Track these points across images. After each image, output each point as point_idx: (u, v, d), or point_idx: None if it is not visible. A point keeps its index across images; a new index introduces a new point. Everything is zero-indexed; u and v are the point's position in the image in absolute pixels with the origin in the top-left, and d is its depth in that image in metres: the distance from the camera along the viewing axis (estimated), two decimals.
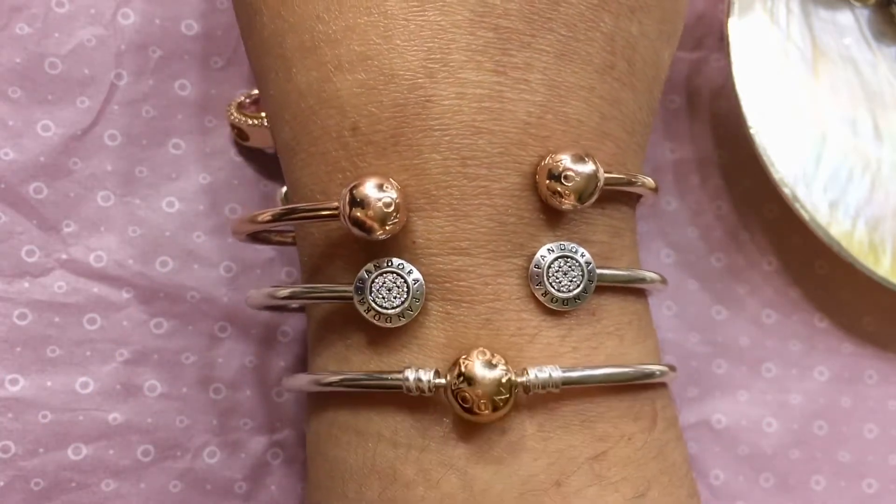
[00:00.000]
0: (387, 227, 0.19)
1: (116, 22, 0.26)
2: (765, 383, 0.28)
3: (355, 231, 0.19)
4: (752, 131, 0.26)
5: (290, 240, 0.25)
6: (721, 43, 0.28)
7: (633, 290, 0.21)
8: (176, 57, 0.26)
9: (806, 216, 0.26)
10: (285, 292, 0.21)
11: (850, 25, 0.28)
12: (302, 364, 0.27)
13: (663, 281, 0.22)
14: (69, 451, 0.25)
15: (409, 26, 0.19)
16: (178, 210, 0.26)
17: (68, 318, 0.25)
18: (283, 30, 0.20)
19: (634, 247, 0.22)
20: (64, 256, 0.25)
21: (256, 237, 0.24)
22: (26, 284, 0.25)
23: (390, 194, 0.19)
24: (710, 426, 0.28)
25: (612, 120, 0.21)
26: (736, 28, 0.26)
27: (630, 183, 0.20)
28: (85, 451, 0.25)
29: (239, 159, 0.27)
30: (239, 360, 0.26)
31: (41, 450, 0.25)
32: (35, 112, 0.26)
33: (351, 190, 0.19)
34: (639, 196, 0.22)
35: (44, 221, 0.25)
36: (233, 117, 0.26)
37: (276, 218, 0.20)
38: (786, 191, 0.26)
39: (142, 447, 0.25)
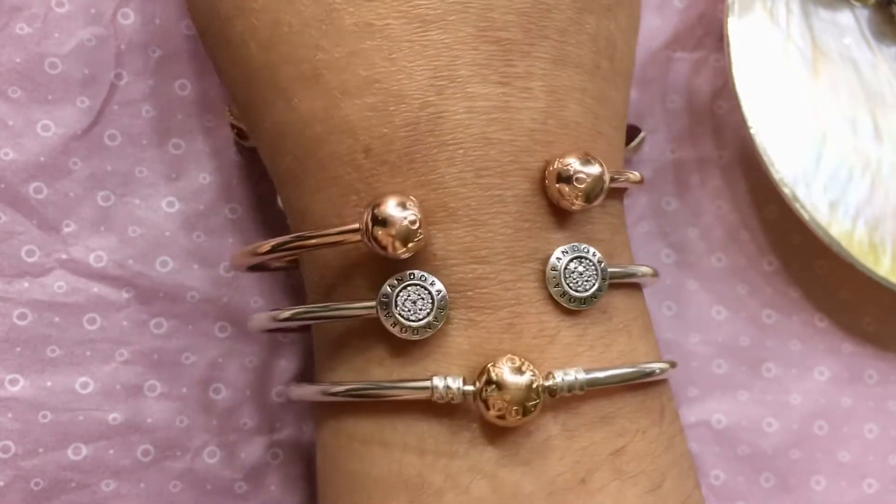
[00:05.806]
0: (410, 245, 0.19)
1: (116, 22, 0.26)
2: (765, 383, 0.28)
3: (378, 251, 0.19)
4: (752, 131, 0.26)
5: (284, 264, 0.25)
6: (721, 43, 0.28)
7: (633, 285, 0.22)
8: (176, 57, 0.26)
9: (806, 216, 0.26)
10: (287, 314, 0.21)
11: (850, 25, 0.28)
12: (302, 365, 0.27)
13: (655, 274, 0.22)
14: (69, 451, 0.25)
15: (413, 47, 0.20)
16: (178, 210, 0.26)
17: (68, 318, 0.25)
18: (275, 62, 0.20)
19: (629, 242, 0.22)
20: (64, 256, 0.25)
21: (253, 266, 0.24)
22: (26, 284, 0.25)
23: (413, 212, 0.19)
24: (710, 426, 0.28)
25: (604, 119, 0.21)
26: (736, 28, 0.26)
27: (619, 179, 0.21)
28: (85, 451, 0.25)
29: (239, 159, 0.27)
30: (239, 360, 0.26)
31: (41, 450, 0.25)
32: (35, 112, 0.25)
33: (372, 209, 0.19)
34: (623, 190, 0.22)
35: (44, 221, 0.25)
36: (233, 117, 0.26)
37: (279, 248, 0.20)
38: (786, 191, 0.26)
39: (142, 447, 0.25)
